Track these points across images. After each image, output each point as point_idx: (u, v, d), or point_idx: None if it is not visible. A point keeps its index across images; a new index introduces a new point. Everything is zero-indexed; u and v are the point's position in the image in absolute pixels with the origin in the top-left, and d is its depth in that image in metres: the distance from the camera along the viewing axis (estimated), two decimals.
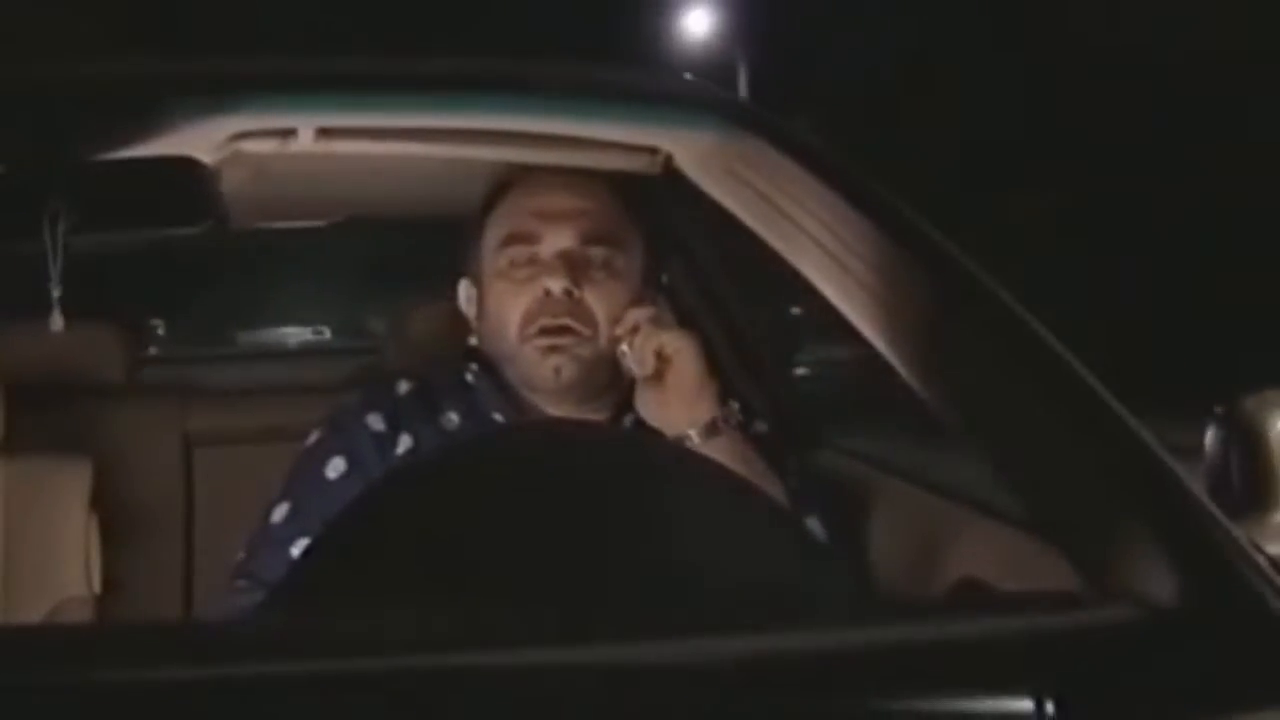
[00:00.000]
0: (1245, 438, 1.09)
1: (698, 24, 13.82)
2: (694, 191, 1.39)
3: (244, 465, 1.86)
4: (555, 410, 1.43)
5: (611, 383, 1.43)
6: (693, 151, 1.37)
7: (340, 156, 1.37)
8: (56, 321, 1.36)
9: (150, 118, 1.18)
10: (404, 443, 1.43)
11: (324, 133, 1.30)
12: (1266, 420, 1.09)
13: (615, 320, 1.41)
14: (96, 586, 1.77)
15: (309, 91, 1.28)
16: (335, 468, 1.42)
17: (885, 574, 1.50)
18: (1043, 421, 1.05)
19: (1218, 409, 1.12)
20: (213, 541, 1.90)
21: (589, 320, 1.40)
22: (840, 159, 1.26)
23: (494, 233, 1.46)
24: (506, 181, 1.48)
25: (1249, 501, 1.07)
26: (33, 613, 1.71)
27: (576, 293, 1.40)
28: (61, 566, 1.75)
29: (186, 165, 1.24)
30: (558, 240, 1.42)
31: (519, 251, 1.42)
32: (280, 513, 1.43)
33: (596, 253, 1.42)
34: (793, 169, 1.27)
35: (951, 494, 1.55)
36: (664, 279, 1.72)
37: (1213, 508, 0.97)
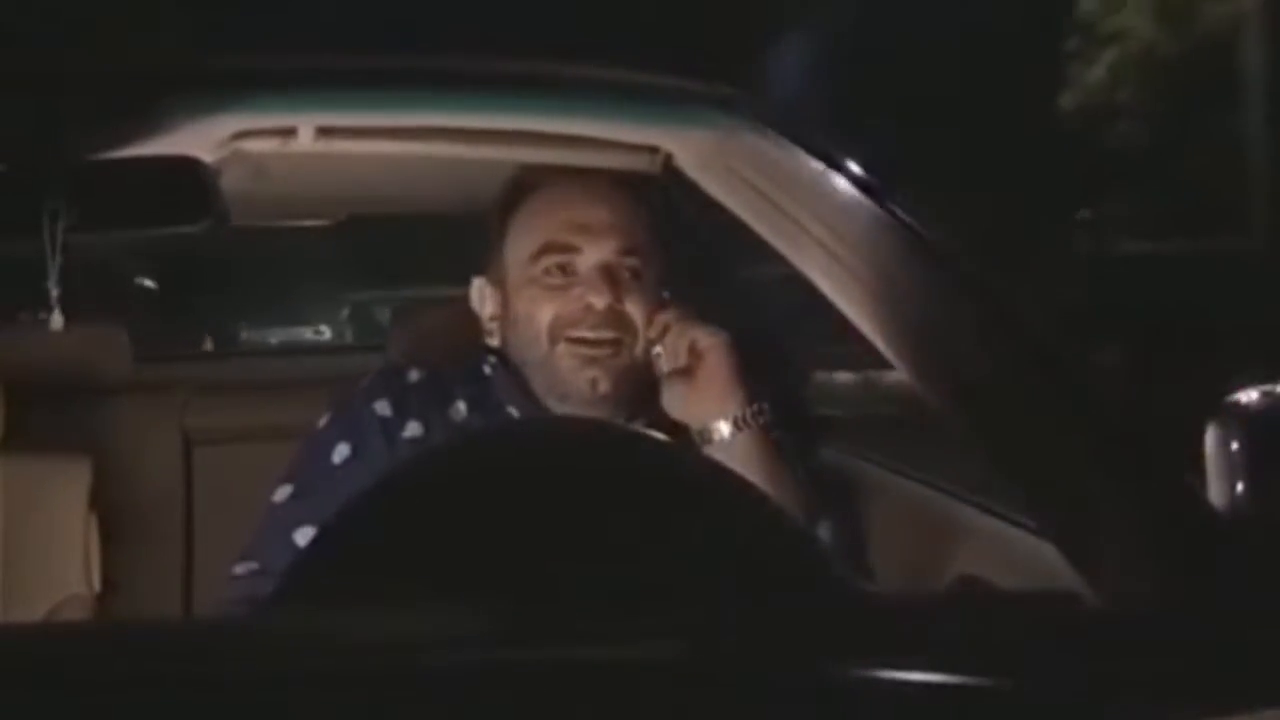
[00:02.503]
0: (1245, 436, 1.09)
1: None
2: (694, 190, 1.39)
3: (244, 463, 1.86)
4: (579, 414, 1.42)
5: (639, 389, 1.44)
6: (692, 150, 1.37)
7: (340, 155, 1.37)
8: (56, 321, 1.36)
9: (150, 117, 1.18)
10: (411, 429, 1.43)
11: (324, 132, 1.30)
12: (1267, 419, 1.09)
13: (647, 323, 1.43)
14: (96, 585, 1.77)
15: (309, 90, 1.28)
16: (340, 453, 1.42)
17: (885, 572, 1.50)
18: (1042, 420, 1.05)
19: (1219, 407, 1.12)
20: (213, 540, 1.90)
21: (629, 328, 1.42)
22: (841, 157, 1.26)
23: (525, 240, 1.45)
24: (526, 184, 1.47)
25: (1250, 500, 1.07)
26: (33, 611, 1.71)
27: (618, 306, 1.41)
28: (61, 565, 1.75)
29: (187, 164, 1.24)
30: (597, 253, 1.42)
31: (555, 261, 1.43)
32: (283, 493, 1.43)
33: (631, 263, 1.43)
34: (793, 167, 1.27)
35: (951, 493, 1.55)
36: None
37: (1213, 507, 0.97)
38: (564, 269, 1.42)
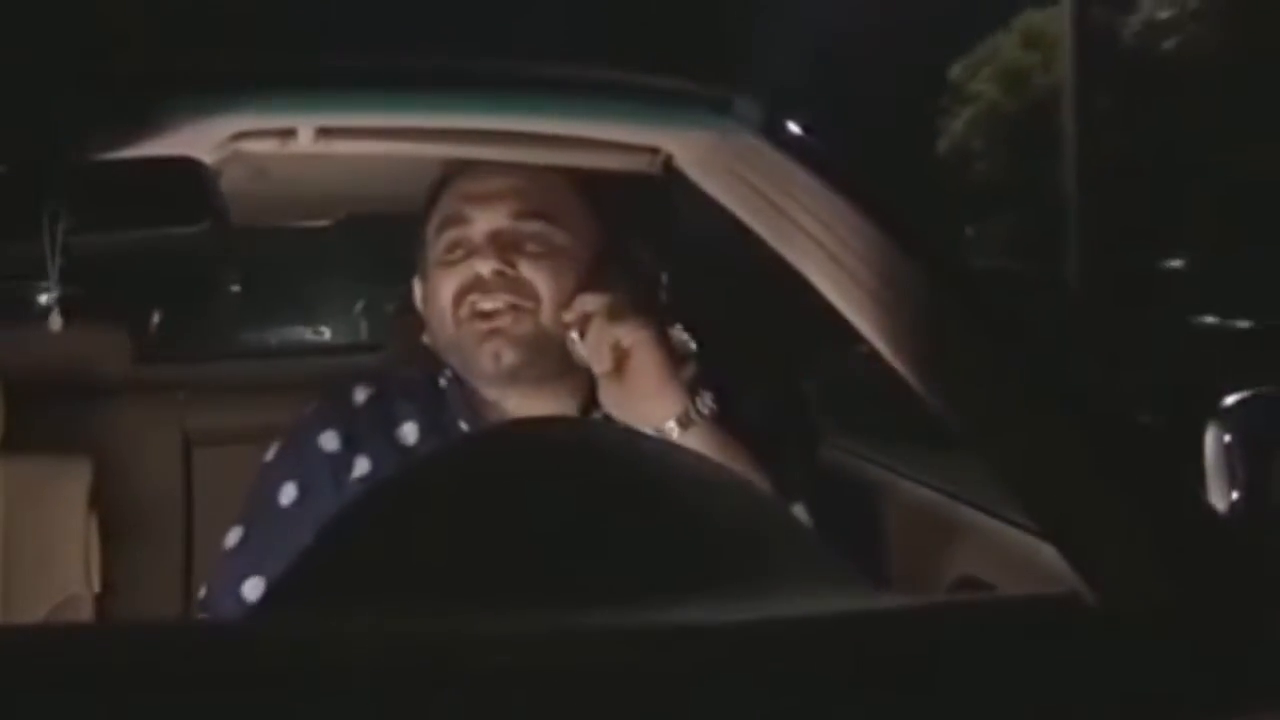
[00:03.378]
0: (1245, 436, 1.09)
1: None
2: (694, 191, 1.39)
3: (244, 464, 1.85)
4: (514, 398, 1.38)
5: (563, 366, 1.36)
6: (693, 151, 1.37)
7: (340, 156, 1.37)
8: (55, 321, 1.36)
9: (150, 118, 1.18)
10: (360, 466, 1.38)
11: (324, 133, 1.30)
12: (1266, 419, 1.09)
13: (561, 298, 1.34)
14: (96, 585, 1.77)
15: (309, 91, 1.28)
16: (287, 494, 1.38)
17: (885, 573, 1.50)
18: (1042, 421, 1.05)
19: (1219, 408, 1.12)
20: (213, 540, 1.90)
21: (528, 294, 1.34)
22: (840, 158, 1.26)
23: (431, 225, 1.41)
24: (445, 175, 1.44)
25: (1249, 501, 1.07)
26: (33, 612, 1.71)
27: (510, 271, 1.34)
28: (62, 565, 1.75)
29: (187, 165, 1.24)
30: (488, 220, 1.36)
31: (452, 236, 1.37)
32: (233, 538, 1.39)
33: (531, 228, 1.36)
34: (792, 168, 1.27)
35: (951, 494, 1.56)
36: (664, 279, 1.71)
37: (1212, 507, 0.97)
38: (460, 243, 1.37)
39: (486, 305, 1.33)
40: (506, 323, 1.33)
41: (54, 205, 1.17)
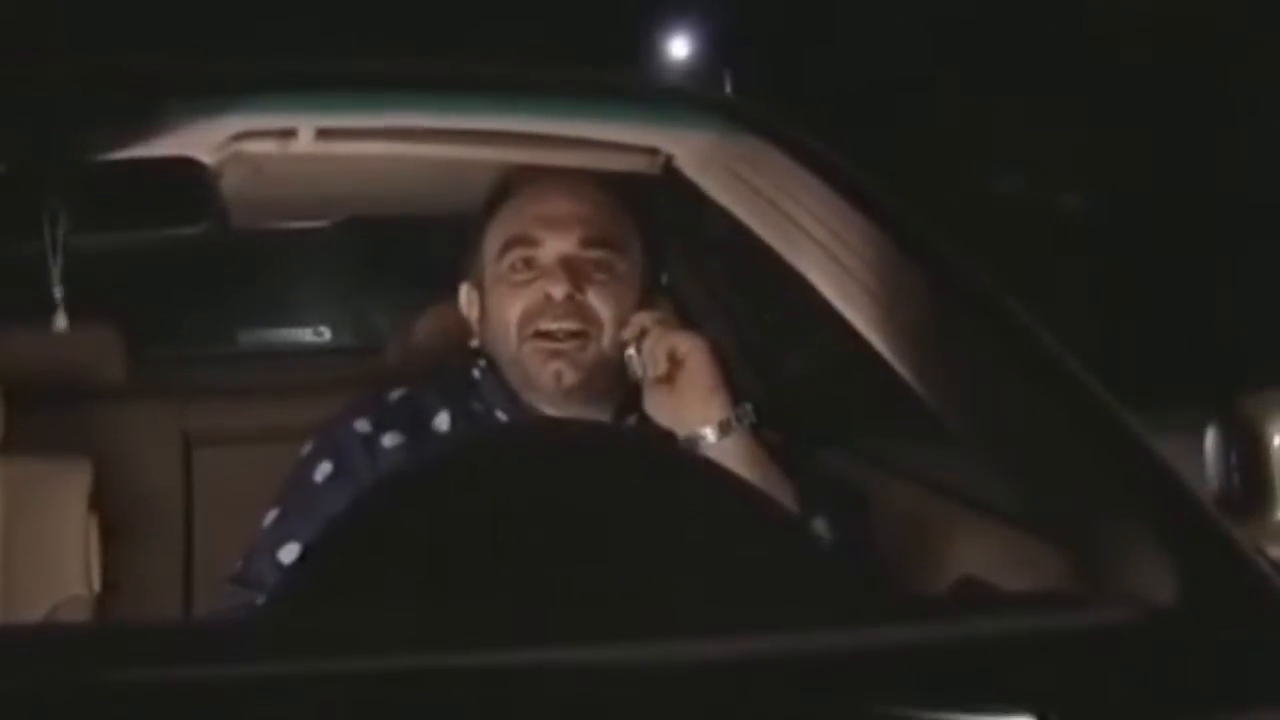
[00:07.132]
0: (1245, 438, 1.09)
1: (679, 48, 13.85)
2: (695, 192, 1.39)
3: (243, 465, 1.86)
4: (556, 411, 1.43)
5: (613, 385, 1.43)
6: (693, 152, 1.37)
7: (340, 157, 1.37)
8: (60, 322, 1.35)
9: (150, 118, 1.18)
10: (390, 439, 1.44)
11: (324, 133, 1.30)
12: (1266, 421, 1.09)
13: (620, 322, 1.41)
14: (96, 586, 1.77)
15: (309, 92, 1.28)
16: (323, 471, 1.43)
17: (885, 574, 1.50)
18: (1043, 421, 1.05)
19: (1219, 410, 1.12)
20: (212, 541, 1.90)
21: (593, 320, 1.40)
22: (840, 159, 1.26)
23: (495, 238, 1.46)
24: (507, 187, 1.47)
25: (1249, 502, 1.07)
26: (33, 612, 1.71)
27: (579, 296, 1.40)
28: (61, 566, 1.75)
29: (186, 165, 1.24)
30: (558, 245, 1.41)
31: (519, 255, 1.42)
32: (271, 517, 1.44)
33: (597, 256, 1.42)
34: (793, 169, 1.27)
35: (951, 494, 1.55)
36: (664, 279, 1.71)
37: (1213, 508, 0.97)
38: (528, 263, 1.42)
39: (553, 327, 1.40)
40: (570, 346, 1.40)
41: (54, 205, 1.17)
